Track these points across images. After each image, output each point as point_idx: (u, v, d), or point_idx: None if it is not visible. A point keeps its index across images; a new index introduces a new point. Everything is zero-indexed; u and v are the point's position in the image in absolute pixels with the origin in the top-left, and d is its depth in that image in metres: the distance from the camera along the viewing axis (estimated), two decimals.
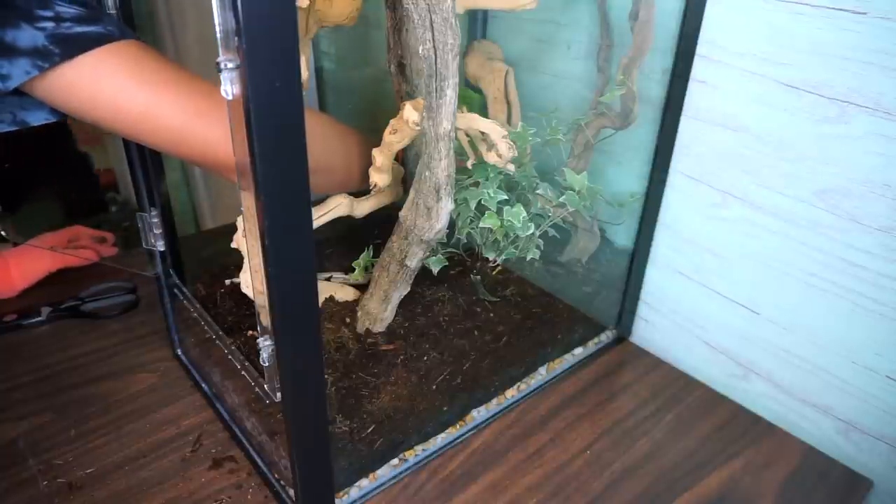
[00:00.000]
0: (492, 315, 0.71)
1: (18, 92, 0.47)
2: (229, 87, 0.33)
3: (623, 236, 0.78)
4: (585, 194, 0.66)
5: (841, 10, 0.55)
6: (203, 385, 0.69)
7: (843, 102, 0.57)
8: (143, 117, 0.50)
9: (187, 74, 0.52)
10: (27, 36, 0.45)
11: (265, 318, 0.41)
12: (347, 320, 0.67)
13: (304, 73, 0.52)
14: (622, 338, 0.80)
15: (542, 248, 0.67)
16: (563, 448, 0.63)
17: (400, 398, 0.60)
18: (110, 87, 0.48)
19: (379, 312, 0.65)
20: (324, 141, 0.63)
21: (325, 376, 0.60)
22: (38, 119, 0.51)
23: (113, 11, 0.53)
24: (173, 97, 0.50)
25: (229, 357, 0.57)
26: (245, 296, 0.63)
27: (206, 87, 0.52)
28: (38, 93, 0.48)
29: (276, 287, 0.38)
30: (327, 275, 0.73)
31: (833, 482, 0.62)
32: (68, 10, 0.46)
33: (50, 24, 0.45)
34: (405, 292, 0.65)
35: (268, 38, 0.32)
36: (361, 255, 0.71)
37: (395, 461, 0.60)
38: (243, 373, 0.54)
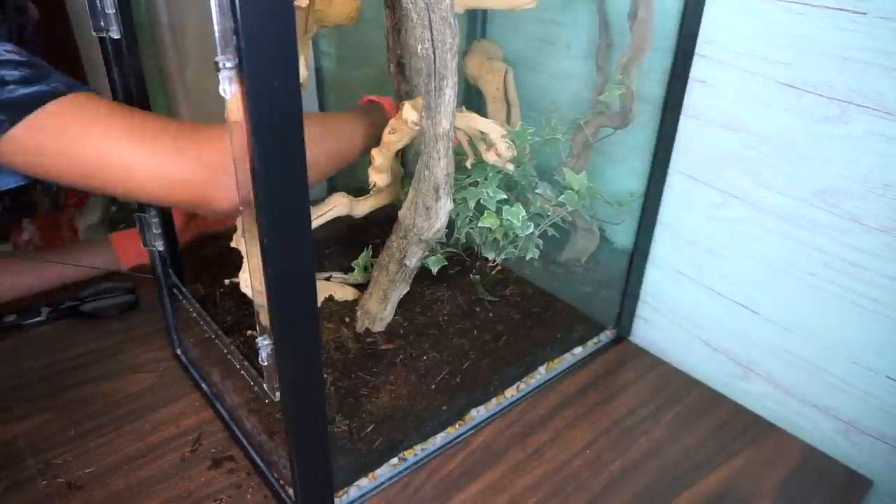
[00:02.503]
0: (491, 315, 0.71)
1: None
2: (227, 86, 0.33)
3: (623, 236, 0.78)
4: (585, 194, 0.66)
5: (841, 10, 0.54)
6: (202, 385, 0.69)
7: (843, 102, 0.56)
8: (97, 168, 0.49)
9: (137, 117, 0.51)
10: None
11: (264, 318, 0.41)
12: (347, 320, 0.67)
13: (304, 72, 0.52)
14: (622, 337, 0.80)
15: (541, 247, 0.67)
16: (563, 447, 0.63)
17: (399, 397, 0.60)
18: (62, 142, 0.48)
19: (378, 312, 0.65)
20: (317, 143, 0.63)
21: (325, 376, 0.60)
22: (8, 183, 0.52)
23: (111, 11, 0.53)
24: (123, 143, 0.49)
25: (228, 357, 0.57)
26: (244, 295, 0.63)
27: (158, 125, 0.51)
28: None
29: (276, 287, 0.38)
30: (327, 274, 0.73)
31: (833, 482, 0.62)
32: (11, 73, 0.47)
33: None
34: (404, 292, 0.65)
35: (266, 37, 0.32)
36: (361, 255, 0.71)
37: (394, 460, 0.60)
38: (242, 372, 0.54)
